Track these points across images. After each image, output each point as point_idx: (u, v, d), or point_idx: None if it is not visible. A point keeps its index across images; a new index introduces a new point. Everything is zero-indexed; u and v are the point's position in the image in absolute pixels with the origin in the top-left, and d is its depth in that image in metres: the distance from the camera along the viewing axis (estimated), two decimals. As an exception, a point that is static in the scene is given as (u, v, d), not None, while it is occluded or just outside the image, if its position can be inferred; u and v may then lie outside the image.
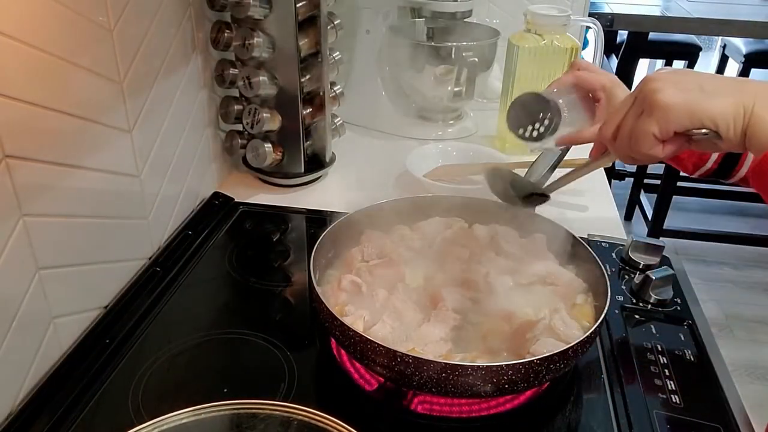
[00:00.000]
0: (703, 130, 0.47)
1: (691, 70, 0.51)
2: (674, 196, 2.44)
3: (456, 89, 1.21)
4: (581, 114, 0.75)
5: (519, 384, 0.60)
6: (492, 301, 0.72)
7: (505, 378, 0.59)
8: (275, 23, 0.96)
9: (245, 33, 0.95)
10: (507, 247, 0.79)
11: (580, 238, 0.78)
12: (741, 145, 0.48)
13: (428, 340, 0.66)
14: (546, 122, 0.71)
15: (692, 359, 0.74)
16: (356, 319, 0.66)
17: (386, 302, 0.70)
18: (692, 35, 2.98)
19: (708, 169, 0.87)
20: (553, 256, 0.79)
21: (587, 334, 0.62)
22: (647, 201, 2.67)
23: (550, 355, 0.59)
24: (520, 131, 0.74)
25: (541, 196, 0.70)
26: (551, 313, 0.68)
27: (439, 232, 0.82)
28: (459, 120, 1.34)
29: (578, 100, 0.75)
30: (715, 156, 0.85)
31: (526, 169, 0.86)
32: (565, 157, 0.80)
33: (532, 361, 0.59)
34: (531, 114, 0.72)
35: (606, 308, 0.65)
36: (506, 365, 0.58)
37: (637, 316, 0.80)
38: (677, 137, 0.50)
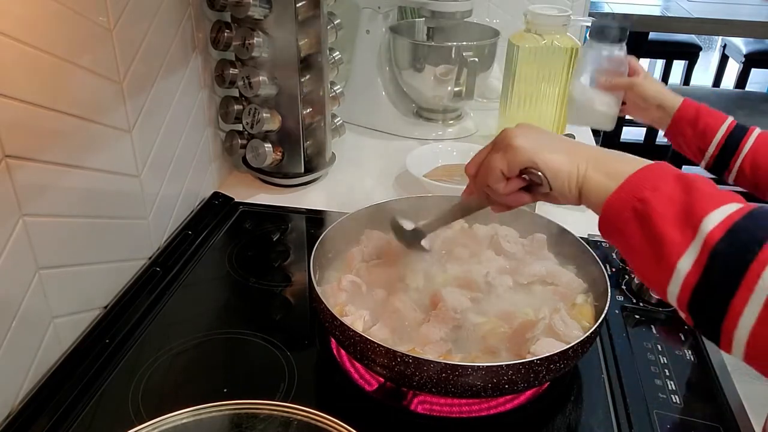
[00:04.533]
0: (539, 173, 0.54)
1: (544, 130, 0.59)
2: (674, 196, 2.43)
3: (456, 89, 1.21)
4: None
5: (519, 384, 0.60)
6: (492, 301, 0.72)
7: (505, 378, 0.59)
8: (275, 23, 0.96)
9: (245, 33, 0.95)
10: (507, 247, 0.79)
11: (580, 238, 0.78)
12: (576, 199, 0.54)
13: (428, 340, 0.66)
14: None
15: (692, 359, 0.74)
16: (356, 319, 0.66)
17: (386, 302, 0.70)
18: (692, 35, 2.98)
19: (711, 155, 0.89)
20: (553, 256, 0.79)
21: (587, 334, 0.62)
22: (647, 201, 2.66)
23: (550, 356, 0.59)
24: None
25: (419, 234, 0.72)
26: (551, 313, 0.68)
27: (439, 232, 0.82)
28: (459, 120, 1.34)
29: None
30: (716, 142, 0.88)
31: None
32: None
33: (533, 361, 0.59)
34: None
35: (606, 308, 0.65)
36: (506, 365, 0.58)
37: (637, 316, 0.80)
38: (518, 178, 0.57)
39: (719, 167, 0.90)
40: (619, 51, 0.97)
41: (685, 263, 0.41)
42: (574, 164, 0.52)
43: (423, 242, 0.72)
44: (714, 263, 0.40)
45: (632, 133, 3.10)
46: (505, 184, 0.57)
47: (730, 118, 0.90)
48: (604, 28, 0.96)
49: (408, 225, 0.72)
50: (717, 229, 0.40)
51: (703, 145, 0.90)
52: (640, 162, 0.49)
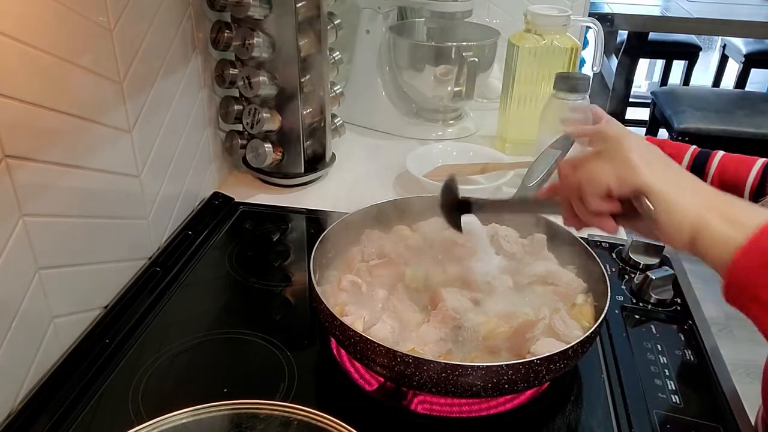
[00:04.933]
0: (651, 204, 0.47)
1: (662, 154, 0.52)
2: (674, 196, 2.44)
3: (456, 89, 1.21)
4: None
5: (519, 384, 0.60)
6: (492, 301, 0.72)
7: (505, 378, 0.59)
8: (275, 23, 0.96)
9: (245, 33, 0.95)
10: (507, 247, 0.79)
11: (580, 238, 0.78)
12: (686, 245, 0.47)
13: (428, 340, 0.66)
14: None
15: (692, 359, 0.74)
16: (356, 319, 0.66)
17: (386, 302, 0.70)
18: (692, 35, 2.98)
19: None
20: (553, 256, 0.79)
21: (587, 334, 0.62)
22: (647, 201, 2.66)
23: (550, 355, 0.59)
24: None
25: (465, 207, 0.67)
26: (551, 313, 0.68)
27: (439, 232, 0.82)
28: (459, 120, 1.34)
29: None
30: (686, 163, 0.87)
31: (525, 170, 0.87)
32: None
33: (532, 361, 0.59)
34: None
35: (606, 308, 0.65)
36: (506, 365, 0.58)
37: (637, 316, 0.80)
38: (617, 201, 0.50)
39: None
40: (582, 101, 1.03)
41: None
42: (697, 205, 0.46)
43: (463, 218, 0.67)
44: None
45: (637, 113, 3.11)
46: (603, 201, 0.50)
47: (693, 147, 0.90)
48: (567, 80, 1.02)
49: (461, 193, 0.66)
50: None
51: None
52: (756, 217, 0.43)
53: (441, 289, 0.71)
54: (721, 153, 0.88)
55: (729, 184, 0.86)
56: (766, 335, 0.42)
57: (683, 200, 0.47)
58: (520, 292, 0.74)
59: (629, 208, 0.50)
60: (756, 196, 0.84)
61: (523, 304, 0.72)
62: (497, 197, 0.62)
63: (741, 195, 0.84)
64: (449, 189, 0.66)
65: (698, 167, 0.88)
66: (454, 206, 0.66)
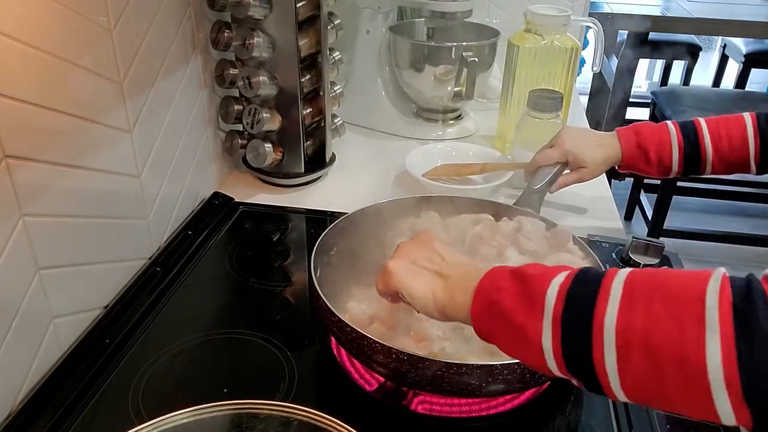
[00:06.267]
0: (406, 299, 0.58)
1: (428, 244, 0.62)
2: (674, 196, 2.44)
3: (456, 89, 1.21)
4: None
5: (514, 384, 0.60)
6: None
7: (500, 378, 0.59)
8: (275, 23, 0.96)
9: (245, 33, 0.95)
10: (528, 245, 0.77)
11: (580, 238, 0.78)
12: (443, 318, 0.56)
13: (424, 337, 0.66)
14: None
15: (692, 359, 0.73)
16: (355, 315, 0.67)
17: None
18: (692, 35, 2.98)
19: (676, 172, 0.91)
20: (577, 248, 0.77)
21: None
22: (647, 201, 2.66)
23: None
24: None
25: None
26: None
27: (468, 227, 0.81)
28: (459, 120, 1.34)
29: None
30: (676, 160, 0.90)
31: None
32: None
33: None
34: None
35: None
36: (500, 365, 0.58)
37: (637, 316, 0.80)
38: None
39: (688, 173, 0.91)
40: (555, 119, 1.03)
41: (547, 341, 0.45)
42: (429, 290, 0.56)
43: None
44: (565, 332, 0.44)
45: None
46: (390, 300, 0.62)
47: (671, 127, 0.90)
48: (540, 100, 1.02)
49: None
50: (557, 302, 0.45)
51: (665, 170, 0.92)
52: (480, 271, 0.52)
53: None
54: (702, 122, 0.89)
55: (725, 157, 0.88)
56: (508, 354, 0.51)
57: (421, 290, 0.57)
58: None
59: None
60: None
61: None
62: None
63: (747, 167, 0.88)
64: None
65: (692, 150, 0.89)
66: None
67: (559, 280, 0.46)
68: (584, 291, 0.44)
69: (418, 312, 0.58)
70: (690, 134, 0.89)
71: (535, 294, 0.47)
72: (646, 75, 4.08)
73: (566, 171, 0.95)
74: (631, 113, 2.94)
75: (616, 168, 0.96)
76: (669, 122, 0.91)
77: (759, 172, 0.87)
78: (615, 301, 0.42)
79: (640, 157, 0.91)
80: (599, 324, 0.42)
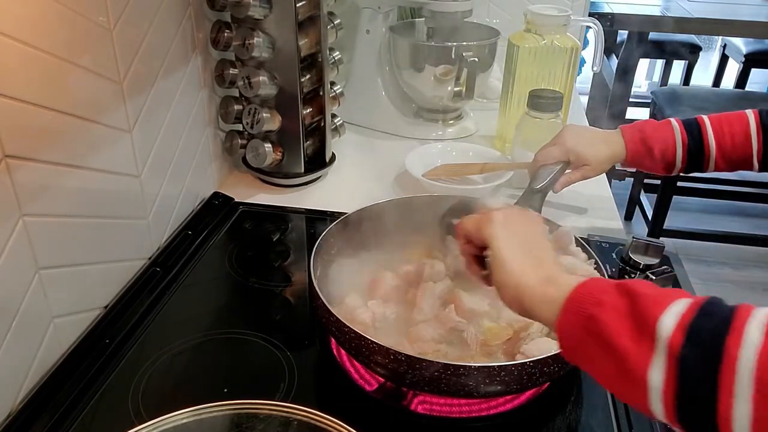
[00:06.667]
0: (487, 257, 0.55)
1: (531, 228, 0.58)
2: (674, 196, 2.44)
3: (456, 89, 1.21)
4: None
5: (512, 385, 0.60)
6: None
7: (498, 379, 0.59)
8: (275, 23, 0.96)
9: (245, 33, 0.95)
10: None
11: (580, 238, 0.78)
12: (514, 306, 0.52)
13: (419, 339, 0.66)
14: None
15: (692, 359, 0.73)
16: (357, 315, 0.67)
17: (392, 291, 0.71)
18: (692, 35, 2.98)
19: (679, 168, 0.91)
20: (579, 250, 0.77)
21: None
22: (647, 201, 2.66)
23: (544, 358, 0.59)
24: None
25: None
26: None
27: None
28: (459, 120, 1.34)
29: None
30: (680, 157, 0.90)
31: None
32: None
33: (525, 363, 0.59)
34: None
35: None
36: (498, 366, 0.58)
37: (637, 316, 0.80)
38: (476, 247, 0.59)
39: (692, 170, 0.92)
40: (555, 119, 1.03)
41: (656, 377, 0.39)
42: (522, 267, 0.51)
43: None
44: (686, 371, 0.38)
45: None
46: (463, 244, 0.60)
47: (675, 124, 0.90)
48: (540, 100, 1.02)
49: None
50: (676, 334, 0.38)
51: (669, 166, 0.92)
52: (572, 279, 0.47)
53: (460, 290, 0.71)
54: (706, 120, 0.89)
55: (728, 155, 0.88)
56: (596, 378, 0.45)
57: (514, 258, 0.52)
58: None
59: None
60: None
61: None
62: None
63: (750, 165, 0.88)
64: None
65: (696, 146, 0.89)
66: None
67: (678, 308, 0.40)
68: (712, 327, 0.38)
69: (489, 286, 0.54)
70: (693, 131, 0.89)
71: (646, 317, 0.40)
72: (646, 75, 4.08)
73: (567, 171, 0.95)
74: (631, 113, 2.94)
75: (620, 165, 0.96)
76: (672, 119, 0.92)
77: (761, 169, 0.87)
78: (753, 341, 0.36)
79: (645, 154, 0.91)
80: (731, 369, 0.36)
